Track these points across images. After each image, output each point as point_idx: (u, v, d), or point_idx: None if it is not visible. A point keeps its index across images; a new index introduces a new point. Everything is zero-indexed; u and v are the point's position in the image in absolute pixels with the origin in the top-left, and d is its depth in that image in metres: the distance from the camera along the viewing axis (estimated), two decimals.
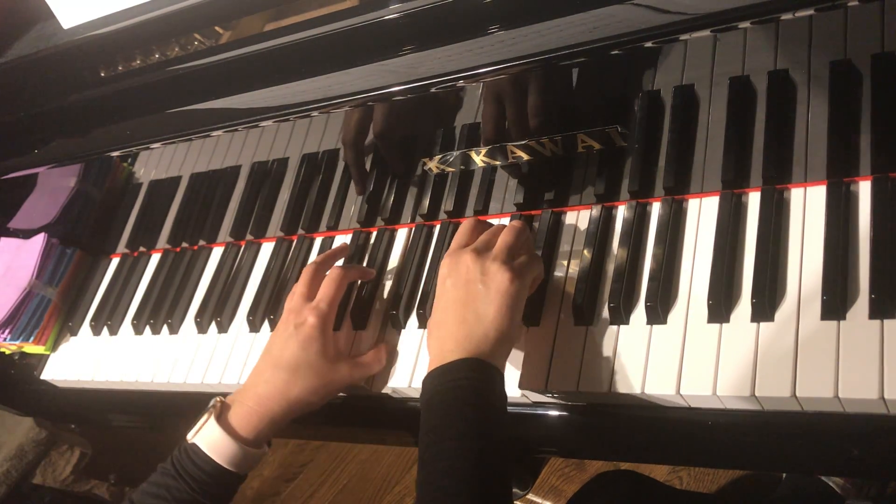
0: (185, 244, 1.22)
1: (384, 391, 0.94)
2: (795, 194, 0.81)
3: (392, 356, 0.95)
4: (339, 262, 1.01)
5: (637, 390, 0.78)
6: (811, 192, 0.80)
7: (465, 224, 0.90)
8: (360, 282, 1.01)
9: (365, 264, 1.04)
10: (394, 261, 1.02)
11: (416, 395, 0.92)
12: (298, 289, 0.94)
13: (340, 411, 0.98)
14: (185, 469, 0.85)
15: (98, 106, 1.04)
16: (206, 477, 0.85)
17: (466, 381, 0.75)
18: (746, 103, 0.80)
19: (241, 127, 0.97)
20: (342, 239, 1.08)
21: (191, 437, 0.86)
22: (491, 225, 0.90)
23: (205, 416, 0.87)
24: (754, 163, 0.81)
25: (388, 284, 1.01)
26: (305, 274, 0.95)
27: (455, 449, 0.72)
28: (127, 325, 1.20)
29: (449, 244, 0.97)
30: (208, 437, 0.86)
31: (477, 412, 0.74)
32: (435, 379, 0.77)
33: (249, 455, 0.87)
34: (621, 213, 0.89)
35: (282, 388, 0.88)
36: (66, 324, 1.26)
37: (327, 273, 0.95)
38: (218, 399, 0.89)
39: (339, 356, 0.91)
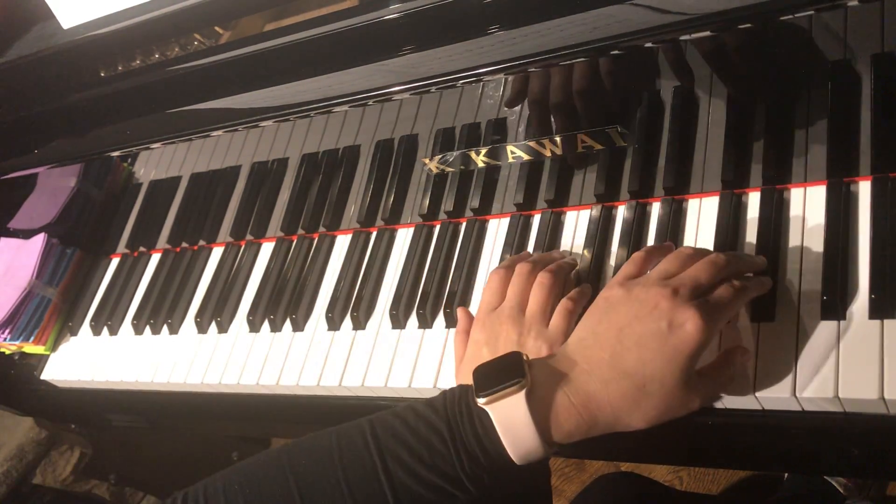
0: (185, 244, 1.22)
1: (384, 392, 0.93)
2: (795, 194, 0.81)
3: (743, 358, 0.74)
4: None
5: None
6: (811, 192, 0.80)
7: (492, 279, 0.82)
8: (369, 282, 1.01)
9: (365, 264, 1.04)
10: (394, 261, 1.02)
11: (415, 395, 0.92)
12: (673, 263, 0.71)
13: (340, 412, 0.98)
14: (462, 438, 0.64)
15: (98, 106, 1.04)
16: (484, 460, 0.64)
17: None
18: (746, 103, 0.80)
19: (241, 127, 0.97)
20: (342, 239, 1.08)
21: (484, 402, 0.65)
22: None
23: (513, 388, 0.65)
24: (754, 163, 0.81)
25: (389, 285, 1.01)
26: (677, 253, 0.72)
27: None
28: (127, 325, 1.20)
29: (449, 244, 0.98)
30: (508, 415, 0.64)
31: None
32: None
33: (544, 455, 0.66)
34: (621, 213, 0.89)
35: (620, 402, 0.66)
36: (66, 324, 1.26)
37: (733, 273, 0.71)
38: (528, 362, 0.67)
39: (697, 379, 0.68)
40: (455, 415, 0.65)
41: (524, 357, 0.67)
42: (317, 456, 0.65)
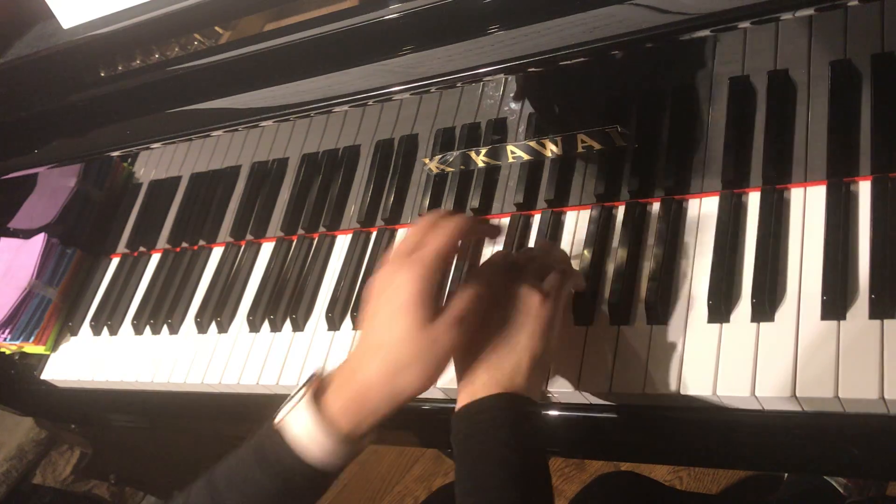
0: (185, 244, 1.22)
1: None
2: (795, 194, 0.81)
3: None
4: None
5: (638, 390, 0.78)
6: (811, 192, 0.80)
7: (489, 259, 0.82)
8: (360, 283, 1.01)
9: (365, 264, 1.04)
10: None
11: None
12: (404, 241, 0.76)
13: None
14: (267, 460, 0.71)
15: (98, 106, 1.04)
16: (291, 474, 0.70)
17: (503, 420, 0.70)
18: (746, 103, 0.80)
19: (241, 127, 0.97)
20: (342, 239, 1.08)
21: (279, 419, 0.72)
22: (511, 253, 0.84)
23: (297, 398, 0.72)
24: (754, 163, 0.81)
25: None
26: (420, 224, 0.76)
27: (498, 499, 0.67)
28: (127, 325, 1.20)
29: None
30: (300, 427, 0.71)
31: (517, 455, 0.69)
32: (468, 418, 0.71)
33: (346, 451, 0.72)
34: (621, 213, 0.89)
35: (382, 376, 0.71)
36: (66, 324, 1.26)
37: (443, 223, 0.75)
38: (316, 376, 0.74)
39: (436, 318, 0.72)
40: (261, 447, 0.72)
41: (317, 373, 0.74)
42: None
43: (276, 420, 0.72)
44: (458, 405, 0.73)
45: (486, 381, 0.72)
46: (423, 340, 0.70)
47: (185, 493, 0.74)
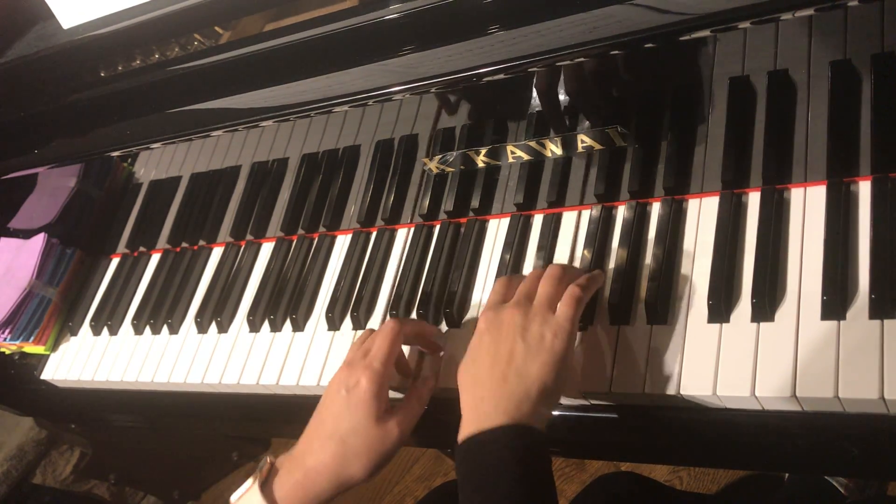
0: (185, 244, 1.23)
1: None
2: (795, 194, 0.81)
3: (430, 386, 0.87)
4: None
5: (638, 390, 0.78)
6: (811, 192, 0.80)
7: (500, 279, 0.84)
8: (369, 282, 1.01)
9: (365, 264, 1.04)
10: (394, 261, 1.02)
11: None
12: (363, 344, 0.86)
13: None
14: None
15: (98, 106, 1.04)
16: None
17: (510, 451, 0.69)
18: (746, 103, 0.80)
19: (241, 127, 0.97)
20: (342, 239, 1.08)
21: (234, 499, 0.81)
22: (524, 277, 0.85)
23: (249, 482, 0.81)
24: (754, 163, 0.81)
25: (389, 285, 1.01)
26: (380, 331, 0.85)
27: None
28: (127, 325, 1.20)
29: (449, 244, 0.98)
30: None
31: (524, 487, 0.68)
32: (475, 447, 0.71)
33: None
34: (621, 213, 0.89)
35: (331, 462, 0.79)
36: (66, 324, 1.26)
37: (385, 327, 0.85)
38: (268, 461, 0.82)
39: (388, 415, 0.81)
40: None
41: (269, 459, 0.82)
42: None
43: (232, 499, 0.81)
44: (463, 433, 0.73)
45: (492, 410, 0.72)
46: (374, 433, 0.79)
47: None
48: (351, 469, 0.79)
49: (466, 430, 0.73)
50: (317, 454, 0.80)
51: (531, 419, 0.71)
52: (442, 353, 0.91)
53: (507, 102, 0.91)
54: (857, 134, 0.76)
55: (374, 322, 0.99)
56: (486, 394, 0.73)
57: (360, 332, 0.98)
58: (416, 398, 0.84)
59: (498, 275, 0.92)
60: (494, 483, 0.68)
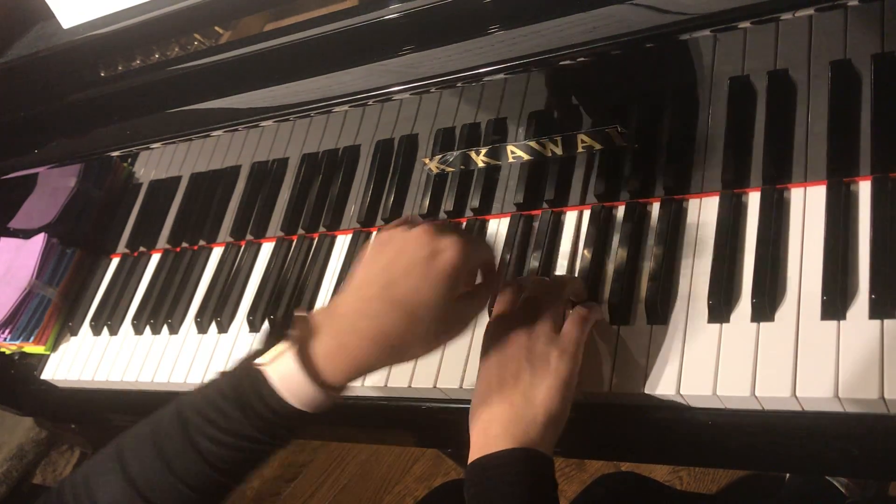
0: (185, 244, 1.22)
1: (384, 392, 0.93)
2: (795, 194, 0.81)
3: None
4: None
5: (637, 390, 0.78)
6: (811, 192, 0.80)
7: (503, 292, 0.82)
8: None
9: None
10: None
11: (415, 395, 0.92)
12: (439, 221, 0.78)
13: (340, 411, 0.98)
14: (247, 401, 0.68)
15: (98, 106, 1.04)
16: (273, 416, 0.68)
17: (517, 477, 0.69)
18: (746, 103, 0.80)
19: (241, 127, 0.97)
20: (342, 239, 1.08)
21: (262, 361, 0.69)
22: (522, 284, 0.83)
23: (283, 345, 0.69)
24: (754, 163, 0.81)
25: None
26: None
27: None
28: (127, 325, 1.20)
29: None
30: (283, 372, 0.68)
31: None
32: (482, 472, 0.71)
33: (329, 399, 0.70)
34: (621, 213, 0.89)
35: (392, 332, 0.69)
36: (66, 324, 1.26)
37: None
38: (300, 315, 0.71)
39: (463, 299, 0.74)
40: (241, 381, 0.69)
41: (299, 314, 0.71)
42: (138, 443, 0.72)
43: (258, 361, 0.70)
44: (473, 455, 0.72)
45: (500, 433, 0.72)
46: (448, 314, 0.70)
47: (151, 420, 0.73)
48: (411, 347, 0.71)
49: (476, 452, 0.72)
50: (376, 318, 0.69)
51: (539, 444, 0.71)
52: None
53: (508, 103, 0.91)
54: (857, 134, 0.76)
55: None
56: (494, 416, 0.73)
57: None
58: (487, 287, 0.78)
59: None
60: None
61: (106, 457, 0.74)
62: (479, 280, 0.79)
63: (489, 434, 0.72)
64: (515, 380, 0.74)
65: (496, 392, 0.74)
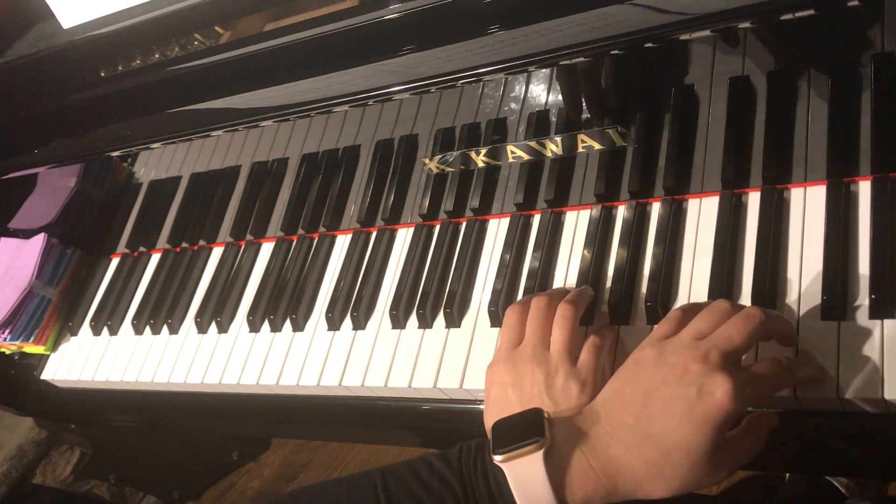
0: (185, 244, 1.23)
1: (384, 392, 0.93)
2: (795, 194, 0.81)
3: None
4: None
5: None
6: (811, 192, 0.80)
7: (510, 314, 0.78)
8: (369, 282, 1.01)
9: (365, 264, 1.04)
10: (394, 261, 1.02)
11: (415, 395, 0.92)
12: (704, 322, 0.67)
13: (340, 411, 0.98)
14: (475, 495, 0.63)
15: (98, 106, 1.04)
16: None
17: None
18: (746, 103, 0.80)
19: (241, 127, 0.97)
20: (342, 239, 1.08)
21: (501, 460, 0.63)
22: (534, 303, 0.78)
23: (531, 444, 0.62)
24: (754, 163, 0.81)
25: (389, 285, 1.01)
26: (721, 307, 0.68)
27: None
28: (127, 325, 1.20)
29: (449, 244, 0.98)
30: (524, 477, 0.62)
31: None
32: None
33: None
34: (621, 213, 0.89)
35: (639, 470, 0.62)
36: (66, 324, 1.26)
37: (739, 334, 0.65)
38: (549, 420, 0.65)
39: (726, 445, 0.64)
40: (469, 471, 0.64)
41: (545, 414, 0.65)
42: None
43: (497, 458, 0.63)
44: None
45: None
46: (705, 462, 0.62)
47: (343, 483, 0.67)
48: (656, 486, 0.62)
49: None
50: (628, 451, 0.62)
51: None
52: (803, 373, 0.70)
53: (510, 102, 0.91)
54: (857, 134, 0.76)
55: (374, 322, 0.98)
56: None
57: (359, 333, 0.98)
58: (756, 430, 0.68)
59: (498, 275, 0.92)
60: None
61: None
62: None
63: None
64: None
65: (503, 392, 0.72)
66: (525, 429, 0.64)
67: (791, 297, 0.75)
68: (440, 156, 0.96)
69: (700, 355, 0.63)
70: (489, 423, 0.71)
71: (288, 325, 1.04)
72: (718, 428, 0.61)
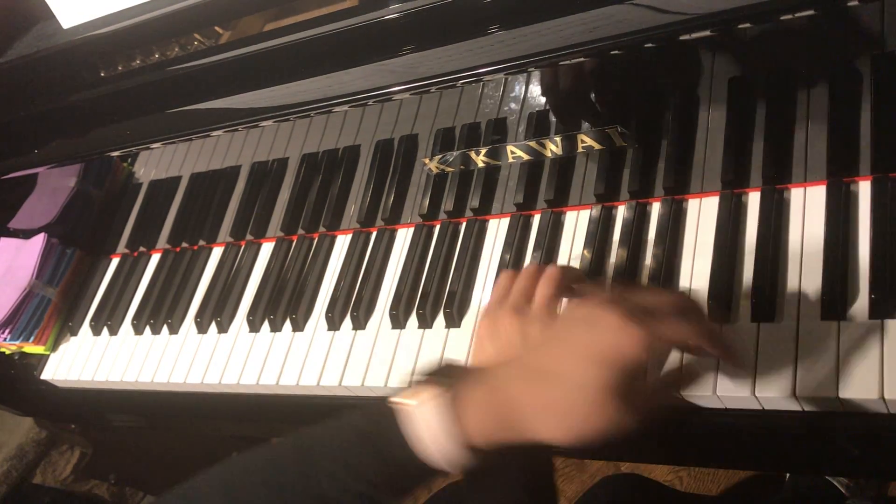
0: (185, 244, 1.22)
1: (384, 392, 0.93)
2: (795, 194, 0.81)
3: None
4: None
5: None
6: (811, 192, 0.80)
7: (502, 276, 0.80)
8: (369, 282, 1.01)
9: (365, 264, 1.04)
10: (394, 261, 1.02)
11: None
12: (639, 292, 0.69)
13: (340, 411, 0.98)
14: (376, 445, 0.64)
15: (98, 106, 1.04)
16: (399, 464, 0.64)
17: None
18: (746, 103, 0.80)
19: (241, 127, 0.97)
20: (342, 239, 1.08)
21: (402, 407, 0.64)
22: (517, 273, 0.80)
23: (431, 392, 0.64)
24: (754, 163, 0.81)
25: (389, 285, 1.01)
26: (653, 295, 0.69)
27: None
28: (127, 325, 1.20)
29: (449, 244, 0.98)
30: (428, 423, 0.63)
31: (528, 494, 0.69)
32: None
33: (462, 461, 0.64)
34: (621, 213, 0.89)
35: (541, 404, 0.63)
36: (66, 324, 1.26)
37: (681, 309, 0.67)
38: (446, 366, 0.70)
39: (640, 389, 0.67)
40: (373, 429, 0.65)
41: (454, 365, 0.69)
42: (248, 477, 0.66)
43: (395, 407, 0.65)
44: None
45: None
46: (616, 402, 0.62)
47: (264, 452, 0.68)
48: (548, 426, 0.63)
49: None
50: (530, 387, 0.63)
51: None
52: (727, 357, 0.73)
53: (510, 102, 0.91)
54: (857, 134, 0.76)
55: (374, 322, 0.99)
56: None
57: (359, 332, 0.98)
58: (666, 391, 0.73)
59: (498, 275, 0.92)
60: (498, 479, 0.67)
61: (209, 487, 0.67)
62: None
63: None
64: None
65: (479, 343, 0.74)
66: (428, 381, 0.67)
67: (791, 297, 0.75)
68: (440, 156, 0.96)
69: (615, 307, 0.63)
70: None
71: (288, 324, 1.04)
72: (622, 370, 0.61)
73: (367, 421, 0.65)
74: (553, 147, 0.89)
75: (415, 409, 0.63)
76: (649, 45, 0.73)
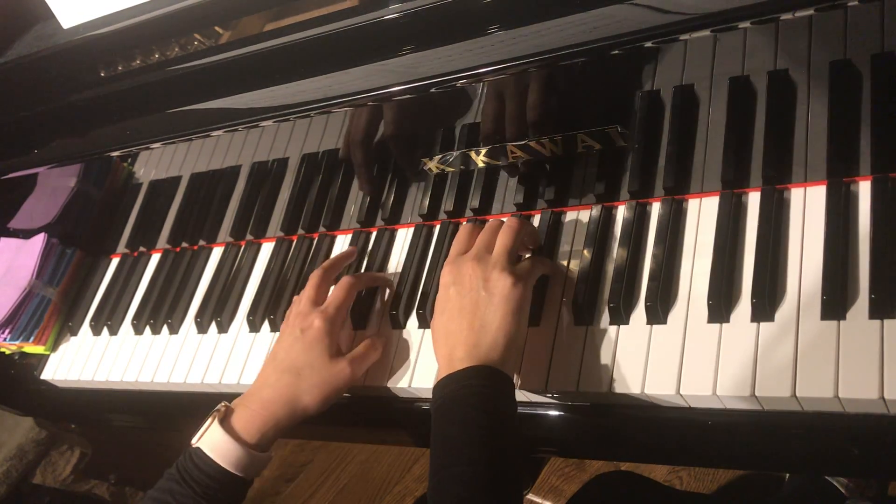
0: (185, 244, 1.23)
1: (384, 392, 0.93)
2: (795, 194, 0.81)
3: (389, 347, 0.95)
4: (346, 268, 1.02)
5: (637, 390, 0.78)
6: (811, 192, 0.80)
7: (462, 229, 0.91)
8: None
9: (365, 264, 1.04)
10: (394, 261, 1.03)
11: (416, 395, 0.92)
12: (306, 293, 0.94)
13: (340, 411, 0.98)
14: (189, 474, 0.84)
15: (98, 106, 1.04)
16: (210, 482, 0.83)
17: (478, 387, 0.76)
18: (746, 103, 0.80)
19: (241, 127, 0.97)
20: (342, 239, 1.08)
21: (195, 441, 0.85)
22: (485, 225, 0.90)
23: (209, 420, 0.86)
24: (754, 163, 0.81)
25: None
26: (313, 279, 0.95)
27: (469, 455, 0.72)
28: (127, 324, 1.20)
29: (449, 244, 0.98)
30: (212, 441, 0.84)
31: (490, 419, 0.74)
32: (446, 386, 0.77)
33: (254, 459, 0.86)
34: (621, 213, 0.89)
35: (286, 391, 0.87)
36: (66, 324, 1.26)
37: (338, 278, 0.95)
38: (223, 404, 0.88)
39: (340, 356, 0.90)
40: (182, 464, 0.85)
41: (223, 403, 0.88)
42: None
43: (193, 441, 0.85)
44: (439, 376, 0.79)
45: (464, 356, 0.78)
46: (327, 368, 0.88)
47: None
48: (304, 399, 0.87)
49: (442, 374, 0.79)
50: (273, 386, 0.88)
51: (500, 364, 0.77)
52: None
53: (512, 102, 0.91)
54: (857, 134, 0.76)
55: (374, 322, 0.99)
56: (457, 343, 0.79)
57: (359, 333, 0.98)
58: (371, 345, 0.92)
59: None
60: (465, 414, 0.74)
61: None
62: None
63: (454, 357, 0.79)
64: (474, 308, 0.80)
65: (457, 321, 0.80)
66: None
67: (791, 297, 0.75)
68: (440, 156, 0.96)
69: (305, 312, 0.93)
70: (434, 324, 0.84)
71: None
72: (324, 342, 0.89)
73: (179, 462, 0.86)
74: (553, 147, 0.89)
75: (204, 437, 0.85)
76: (649, 45, 0.73)
